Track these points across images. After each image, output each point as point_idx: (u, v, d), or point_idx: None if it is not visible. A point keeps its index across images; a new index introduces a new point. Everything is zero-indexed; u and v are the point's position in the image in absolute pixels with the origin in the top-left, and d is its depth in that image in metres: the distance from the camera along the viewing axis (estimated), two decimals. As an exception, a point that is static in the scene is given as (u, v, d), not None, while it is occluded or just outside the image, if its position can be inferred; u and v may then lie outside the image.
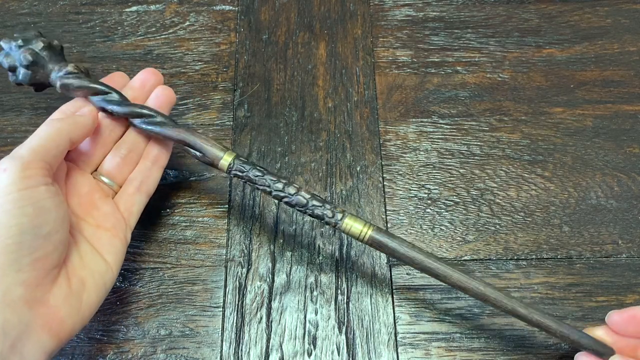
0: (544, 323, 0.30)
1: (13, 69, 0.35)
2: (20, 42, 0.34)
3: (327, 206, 0.32)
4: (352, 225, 0.31)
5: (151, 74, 0.37)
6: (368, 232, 0.31)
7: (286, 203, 0.32)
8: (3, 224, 0.26)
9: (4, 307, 0.25)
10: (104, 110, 0.34)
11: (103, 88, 0.34)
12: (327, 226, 0.32)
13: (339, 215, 0.31)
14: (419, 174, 0.40)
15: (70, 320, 0.28)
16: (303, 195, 0.32)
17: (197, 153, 0.33)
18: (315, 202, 0.32)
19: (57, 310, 0.27)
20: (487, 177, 0.40)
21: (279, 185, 0.32)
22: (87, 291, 0.29)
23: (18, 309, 0.26)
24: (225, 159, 0.33)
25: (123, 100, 0.34)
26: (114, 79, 0.36)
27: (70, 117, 0.32)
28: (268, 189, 0.32)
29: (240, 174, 0.32)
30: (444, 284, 0.36)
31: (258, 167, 0.32)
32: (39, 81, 0.35)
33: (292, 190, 0.32)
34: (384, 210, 0.38)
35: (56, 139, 0.30)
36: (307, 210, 0.32)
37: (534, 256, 0.37)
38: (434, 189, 0.39)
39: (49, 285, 0.28)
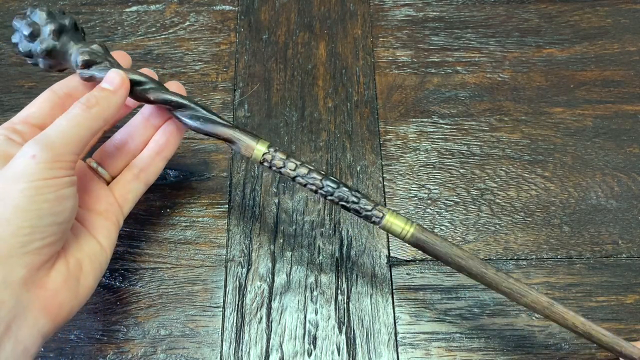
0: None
1: (34, 37, 0.32)
2: (44, 12, 0.32)
3: (367, 201, 0.30)
4: (393, 222, 0.30)
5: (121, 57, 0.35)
6: (410, 230, 0.30)
7: (323, 196, 0.31)
8: (22, 208, 0.26)
9: (3, 289, 0.25)
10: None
11: (136, 77, 0.32)
12: (367, 222, 0.31)
13: (379, 212, 0.30)
14: (419, 174, 0.40)
15: (68, 302, 0.28)
16: (342, 190, 0.30)
17: (229, 144, 0.32)
18: (354, 197, 0.30)
19: (55, 293, 0.28)
20: (487, 177, 0.40)
21: (317, 177, 0.31)
22: (84, 274, 0.30)
23: (17, 290, 0.26)
24: (259, 149, 0.31)
25: (160, 86, 0.32)
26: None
27: (104, 97, 0.30)
28: (304, 182, 0.31)
29: (274, 166, 0.31)
30: (444, 284, 0.36)
31: (293, 158, 0.31)
32: (57, 56, 0.32)
33: (330, 183, 0.30)
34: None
35: (91, 126, 0.29)
36: (346, 205, 0.30)
37: (534, 256, 0.37)
38: (434, 189, 0.39)
39: (49, 269, 0.28)
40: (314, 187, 0.31)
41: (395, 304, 0.36)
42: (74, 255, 0.29)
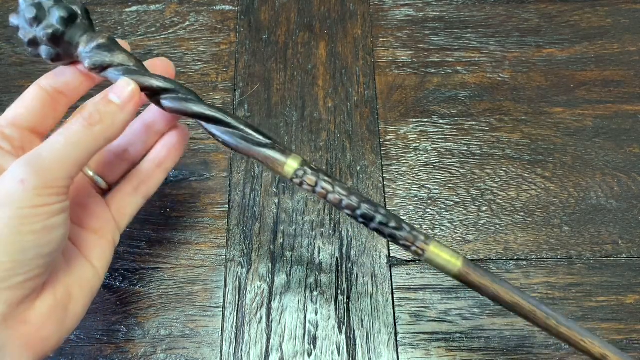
0: None
1: (38, 20, 0.27)
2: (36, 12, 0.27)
3: (408, 229, 0.27)
4: (439, 254, 0.27)
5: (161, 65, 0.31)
6: (458, 265, 0.27)
7: (362, 216, 0.27)
8: (4, 239, 0.23)
9: None
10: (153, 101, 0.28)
11: (163, 84, 0.28)
12: (408, 252, 0.28)
13: (422, 243, 0.27)
14: (419, 174, 0.40)
15: (54, 335, 0.25)
16: (382, 214, 0.27)
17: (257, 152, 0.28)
18: (394, 224, 0.27)
19: (39, 327, 0.25)
20: (487, 177, 0.40)
21: (354, 199, 0.27)
22: (73, 301, 0.27)
23: None
24: (290, 165, 0.28)
25: (193, 97, 0.28)
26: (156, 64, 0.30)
27: (110, 114, 0.26)
28: (341, 197, 0.27)
29: (306, 183, 0.28)
30: (444, 284, 0.36)
31: (326, 176, 0.28)
32: (63, 46, 0.28)
33: (368, 206, 0.27)
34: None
35: (91, 147, 0.25)
36: (385, 232, 0.27)
37: (534, 256, 0.37)
38: (434, 189, 0.39)
39: (33, 301, 0.25)
40: (349, 212, 0.28)
41: (395, 304, 0.36)
42: (63, 283, 0.26)
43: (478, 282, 0.27)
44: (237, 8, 0.47)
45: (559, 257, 0.37)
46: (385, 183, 0.40)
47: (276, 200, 0.39)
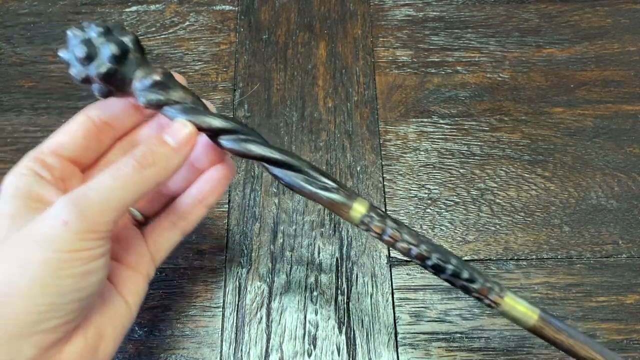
0: None
1: (89, 59, 0.25)
2: (102, 28, 0.26)
3: (482, 281, 0.26)
4: (514, 307, 0.26)
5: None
6: (534, 317, 0.26)
7: (432, 267, 0.26)
8: (40, 282, 0.22)
9: None
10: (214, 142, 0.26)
11: (223, 124, 0.26)
12: (481, 303, 0.27)
13: (497, 295, 0.26)
14: (419, 174, 0.40)
15: None
16: (453, 264, 0.26)
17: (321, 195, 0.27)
18: (467, 275, 0.26)
19: None
20: (487, 177, 0.40)
21: (424, 247, 0.26)
22: (104, 341, 0.25)
23: None
24: (357, 210, 0.26)
25: (255, 137, 0.27)
26: None
27: (163, 156, 0.25)
28: (409, 246, 0.26)
29: (373, 230, 0.26)
30: (444, 284, 0.36)
31: (394, 222, 0.26)
32: (117, 83, 0.26)
33: (439, 255, 0.26)
34: (384, 210, 0.38)
35: (140, 190, 0.24)
36: (456, 283, 0.26)
37: (534, 256, 0.37)
38: (434, 189, 0.39)
39: (64, 344, 0.23)
40: (418, 261, 0.26)
41: (395, 304, 0.35)
42: (95, 323, 0.25)
43: (553, 337, 0.26)
44: (237, 8, 0.47)
45: (559, 257, 0.37)
46: (385, 183, 0.39)
47: (276, 200, 0.39)
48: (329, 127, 0.42)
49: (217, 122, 0.26)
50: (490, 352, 0.34)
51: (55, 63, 0.44)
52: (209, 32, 0.46)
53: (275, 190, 0.39)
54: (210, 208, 0.30)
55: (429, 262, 0.26)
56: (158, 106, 0.26)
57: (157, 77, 0.25)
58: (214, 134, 0.26)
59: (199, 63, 0.44)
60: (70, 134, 0.27)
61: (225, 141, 0.26)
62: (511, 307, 0.26)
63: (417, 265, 0.36)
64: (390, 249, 0.37)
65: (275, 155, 0.26)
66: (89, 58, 0.25)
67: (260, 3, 0.47)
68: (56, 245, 0.22)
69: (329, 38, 0.45)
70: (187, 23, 0.46)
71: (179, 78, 0.27)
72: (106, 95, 0.26)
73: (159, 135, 0.25)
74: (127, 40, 0.26)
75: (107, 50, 0.25)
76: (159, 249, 0.29)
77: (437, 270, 0.26)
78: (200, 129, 0.26)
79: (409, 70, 0.44)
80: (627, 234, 0.38)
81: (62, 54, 0.26)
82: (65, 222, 0.22)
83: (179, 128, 0.25)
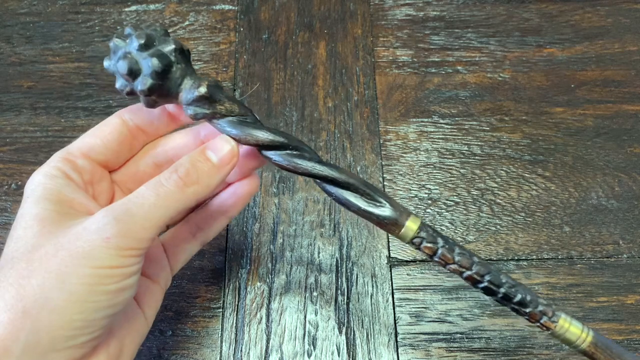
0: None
1: (133, 75, 0.25)
2: (143, 40, 0.25)
3: (535, 304, 0.25)
4: (567, 329, 0.25)
5: None
6: (587, 339, 0.25)
7: (483, 289, 0.25)
8: (77, 297, 0.21)
9: None
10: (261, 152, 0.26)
11: (272, 138, 0.25)
12: (534, 325, 0.26)
13: (548, 321, 0.25)
14: (420, 174, 0.40)
15: None
16: (505, 287, 0.25)
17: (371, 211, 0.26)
18: (519, 298, 0.25)
19: None
20: (487, 177, 0.40)
21: (475, 270, 0.25)
22: (123, 355, 0.25)
23: None
24: (409, 228, 0.25)
25: (307, 151, 0.26)
26: None
27: (207, 174, 0.24)
28: (460, 269, 0.25)
29: (424, 250, 0.25)
30: (444, 285, 0.36)
31: (446, 241, 0.26)
32: (162, 95, 0.25)
33: (491, 278, 0.25)
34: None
35: (181, 208, 0.24)
36: (508, 305, 0.25)
37: (534, 256, 0.37)
38: (435, 189, 0.39)
39: (88, 358, 0.23)
40: (469, 283, 0.26)
41: (396, 304, 0.35)
42: (117, 338, 0.25)
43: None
44: (236, 7, 0.47)
45: (559, 257, 0.37)
46: (385, 183, 0.39)
47: (276, 201, 0.39)
48: (329, 127, 0.41)
49: (266, 136, 0.25)
50: (491, 353, 0.34)
51: (54, 63, 0.44)
52: (208, 31, 0.46)
53: (275, 190, 0.39)
54: (231, 220, 0.29)
55: (480, 285, 0.25)
56: (205, 119, 0.25)
57: (202, 90, 0.25)
58: (262, 148, 0.26)
59: (199, 63, 0.44)
60: (104, 137, 0.26)
61: (273, 155, 0.26)
62: (565, 330, 0.25)
63: (418, 266, 0.36)
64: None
65: (326, 172, 0.25)
66: (132, 74, 0.24)
67: (260, 2, 0.47)
68: (96, 261, 0.22)
69: (329, 38, 0.45)
70: (187, 22, 0.46)
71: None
72: (153, 106, 0.26)
73: (202, 150, 0.25)
74: (169, 50, 0.25)
75: (148, 65, 0.24)
76: (177, 259, 0.29)
77: (488, 292, 0.25)
78: (248, 143, 0.25)
79: (409, 70, 0.44)
80: (627, 234, 0.38)
81: (107, 64, 0.26)
82: (107, 239, 0.22)
83: (221, 145, 0.25)
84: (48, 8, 0.47)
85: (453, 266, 0.25)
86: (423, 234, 0.25)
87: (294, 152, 0.26)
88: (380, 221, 0.25)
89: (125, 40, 0.25)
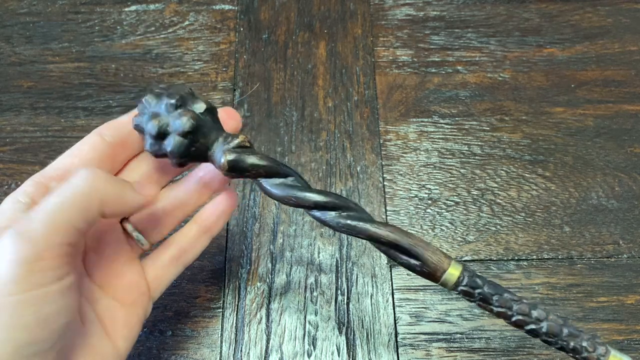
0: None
1: (163, 136, 0.24)
2: (174, 100, 0.24)
3: (585, 337, 0.24)
4: None
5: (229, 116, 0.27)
6: None
7: (530, 332, 0.25)
8: None
9: None
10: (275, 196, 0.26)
11: (334, 200, 0.25)
12: None
13: (602, 351, 0.24)
14: (420, 174, 0.40)
15: None
16: (555, 321, 0.24)
17: (412, 261, 0.25)
18: (568, 332, 0.24)
19: None
20: (487, 177, 0.40)
21: (524, 309, 0.24)
22: None
23: None
24: (452, 273, 0.24)
25: (307, 186, 0.26)
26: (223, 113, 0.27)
27: (116, 183, 0.23)
28: (508, 312, 0.24)
29: (470, 291, 0.25)
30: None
31: (489, 282, 0.25)
32: (193, 155, 0.25)
33: (539, 314, 0.24)
34: (384, 210, 0.38)
35: (87, 205, 0.21)
36: (558, 342, 0.24)
37: (534, 256, 0.37)
38: (435, 189, 0.39)
39: None
40: (513, 326, 0.25)
41: (396, 304, 0.35)
42: None
43: None
44: (236, 7, 0.47)
45: (559, 257, 0.37)
46: (385, 183, 0.39)
47: (276, 201, 0.39)
48: (329, 127, 0.41)
49: (316, 198, 0.25)
50: (491, 353, 0.34)
51: (54, 62, 0.44)
52: (208, 31, 0.46)
53: (275, 190, 0.39)
54: (212, 239, 0.29)
55: (526, 328, 0.25)
56: (242, 177, 0.26)
57: (232, 157, 0.24)
58: (309, 208, 0.25)
59: (199, 63, 0.44)
60: (82, 157, 0.24)
61: (321, 214, 0.25)
62: None
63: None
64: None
65: (391, 237, 0.25)
66: (161, 136, 0.24)
67: (260, 2, 0.47)
68: (7, 287, 0.19)
69: (329, 37, 0.45)
70: (187, 22, 0.46)
71: (235, 119, 0.26)
72: (182, 165, 0.25)
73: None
74: (199, 110, 0.25)
75: (178, 125, 0.24)
76: (158, 284, 0.27)
77: (532, 334, 0.25)
78: (293, 204, 0.25)
79: (409, 70, 0.44)
80: (627, 234, 0.37)
81: (137, 121, 0.25)
82: (11, 255, 0.19)
83: (145, 185, 0.24)
84: (48, 8, 0.47)
85: (497, 309, 0.25)
86: (467, 276, 0.25)
87: (357, 216, 0.25)
88: (420, 266, 0.25)
89: (157, 99, 0.25)
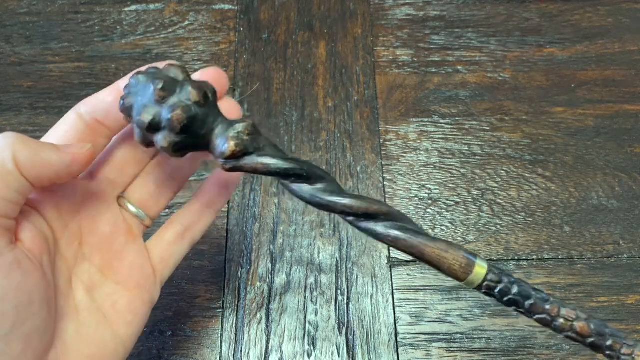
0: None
1: (153, 130, 0.22)
2: (163, 87, 0.22)
3: (618, 338, 0.24)
4: None
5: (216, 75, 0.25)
6: None
7: (565, 334, 0.23)
8: None
9: None
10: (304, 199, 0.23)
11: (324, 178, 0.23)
12: None
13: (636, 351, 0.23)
14: (420, 174, 0.40)
15: None
16: (586, 321, 0.24)
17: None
18: (600, 331, 0.23)
19: None
20: (488, 177, 0.40)
21: (555, 308, 0.24)
22: None
23: None
24: (478, 272, 0.23)
25: (339, 189, 0.24)
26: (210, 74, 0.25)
27: (32, 143, 0.21)
28: (540, 316, 0.24)
29: (496, 292, 0.23)
30: (444, 285, 0.36)
31: (518, 281, 0.24)
32: (189, 148, 0.23)
33: (570, 314, 0.24)
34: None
35: (2, 172, 0.19)
36: (588, 341, 0.24)
37: (535, 256, 0.37)
38: (435, 189, 0.39)
39: None
40: (556, 328, 0.24)
41: (396, 304, 0.35)
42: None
43: None
44: (236, 7, 0.47)
45: (560, 257, 0.37)
46: (385, 183, 0.39)
47: (276, 201, 0.39)
48: (329, 127, 0.41)
49: (346, 202, 0.23)
50: (491, 353, 0.34)
51: (54, 62, 0.44)
52: (208, 31, 0.46)
53: (275, 190, 0.39)
54: (217, 214, 0.27)
55: (566, 334, 0.24)
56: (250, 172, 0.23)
57: (232, 144, 0.22)
58: (341, 214, 0.24)
59: (199, 62, 0.44)
60: (60, 137, 0.23)
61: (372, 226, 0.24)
62: None
63: (418, 266, 0.36)
64: (391, 248, 0.37)
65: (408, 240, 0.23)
66: (152, 129, 0.22)
67: (260, 2, 0.47)
68: None
69: (329, 37, 0.45)
70: (187, 22, 0.46)
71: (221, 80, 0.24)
72: (179, 157, 0.23)
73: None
74: (192, 99, 0.22)
75: (168, 119, 0.21)
76: (165, 264, 0.26)
77: (569, 335, 0.24)
78: (321, 207, 0.23)
79: (409, 69, 0.44)
80: (628, 234, 0.37)
81: (122, 104, 0.23)
82: None
83: (77, 146, 0.22)
84: (48, 8, 0.47)
85: (531, 310, 0.24)
86: (493, 275, 0.23)
87: (413, 229, 0.23)
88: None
89: (146, 83, 0.22)
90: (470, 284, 0.23)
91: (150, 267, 0.25)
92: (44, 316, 0.20)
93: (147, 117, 0.21)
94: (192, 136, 0.22)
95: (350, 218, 0.24)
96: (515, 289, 0.24)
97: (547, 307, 0.24)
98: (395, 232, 0.23)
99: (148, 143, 0.22)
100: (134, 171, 0.25)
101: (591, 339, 0.24)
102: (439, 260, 0.23)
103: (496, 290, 0.23)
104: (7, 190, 0.19)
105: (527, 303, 0.24)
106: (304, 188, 0.23)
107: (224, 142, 0.22)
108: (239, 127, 0.22)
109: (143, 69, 0.23)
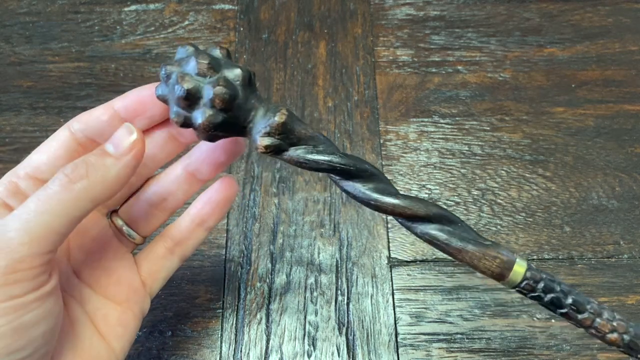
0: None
1: (192, 103, 0.21)
2: (206, 62, 0.21)
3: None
4: None
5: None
6: None
7: (597, 335, 0.23)
8: None
9: None
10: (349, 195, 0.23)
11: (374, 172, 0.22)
12: None
13: None
14: (420, 174, 0.40)
15: None
16: (622, 323, 0.23)
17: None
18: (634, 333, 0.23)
19: None
20: (488, 177, 0.40)
21: (595, 308, 0.23)
22: None
23: None
24: (517, 271, 0.22)
25: (391, 188, 0.23)
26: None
27: (99, 168, 0.20)
28: (582, 317, 0.23)
29: (537, 292, 0.23)
30: (444, 285, 0.36)
31: (558, 281, 0.23)
32: (226, 129, 0.22)
33: (607, 314, 0.23)
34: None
35: (72, 212, 0.19)
36: (619, 343, 0.23)
37: (535, 257, 0.37)
38: (435, 189, 0.39)
39: None
40: (608, 339, 0.23)
41: (396, 304, 0.35)
42: None
43: None
44: (236, 7, 0.47)
45: (560, 257, 0.37)
46: (385, 183, 0.39)
47: (276, 201, 0.38)
48: (329, 127, 0.41)
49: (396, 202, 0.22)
50: (492, 353, 0.34)
51: (54, 62, 0.44)
52: (208, 31, 0.46)
53: (275, 190, 0.39)
54: (210, 230, 0.27)
55: (607, 339, 0.23)
56: (283, 152, 0.22)
57: (279, 119, 0.21)
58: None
59: (199, 62, 0.44)
60: (50, 153, 0.22)
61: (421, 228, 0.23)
62: None
63: (418, 267, 0.36)
64: (390, 246, 0.37)
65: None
66: (191, 99, 0.21)
67: (260, 2, 0.47)
68: None
69: (329, 37, 0.45)
70: (187, 22, 0.46)
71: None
72: (212, 140, 0.22)
73: (100, 146, 0.21)
74: (235, 77, 0.21)
75: (210, 94, 0.20)
76: (155, 278, 0.26)
77: (600, 336, 0.24)
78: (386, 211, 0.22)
79: (409, 69, 0.44)
80: (628, 234, 0.37)
81: (160, 92, 0.22)
82: None
83: (121, 135, 0.21)
84: (47, 8, 0.47)
85: (571, 311, 0.23)
86: (532, 274, 0.23)
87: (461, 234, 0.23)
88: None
89: (185, 61, 0.21)
90: (509, 281, 0.23)
91: (140, 281, 0.25)
92: (63, 334, 0.21)
93: (187, 84, 0.20)
94: (231, 117, 0.21)
95: (401, 219, 0.23)
96: (558, 288, 0.23)
97: (594, 307, 0.23)
98: (434, 233, 0.23)
99: (184, 121, 0.21)
100: (126, 192, 0.25)
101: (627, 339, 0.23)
102: (477, 266, 0.23)
103: (537, 290, 0.23)
104: (66, 226, 0.19)
105: (571, 304, 0.23)
106: (357, 185, 0.22)
107: (257, 137, 0.21)
108: (273, 123, 0.21)
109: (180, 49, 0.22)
